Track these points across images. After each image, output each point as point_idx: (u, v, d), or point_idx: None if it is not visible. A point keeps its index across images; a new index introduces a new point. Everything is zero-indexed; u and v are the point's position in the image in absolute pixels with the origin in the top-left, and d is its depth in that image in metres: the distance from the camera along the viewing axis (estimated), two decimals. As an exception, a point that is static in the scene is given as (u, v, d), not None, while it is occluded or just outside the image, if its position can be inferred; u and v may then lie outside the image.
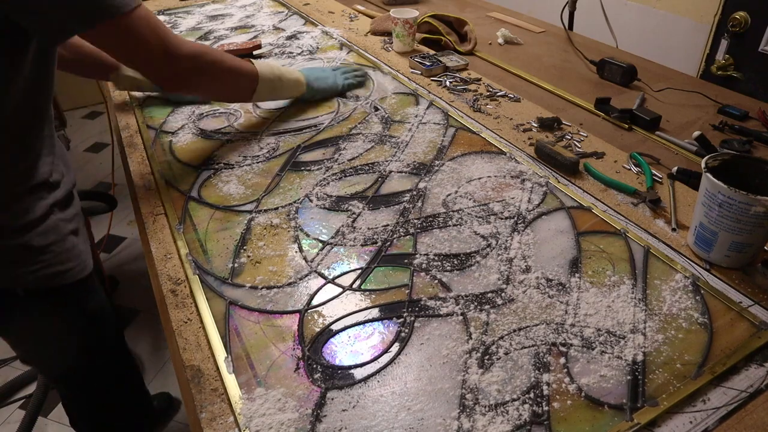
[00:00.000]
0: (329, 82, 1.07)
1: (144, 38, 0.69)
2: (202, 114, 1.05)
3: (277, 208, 0.78)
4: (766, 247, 0.69)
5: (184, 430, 1.39)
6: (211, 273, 0.67)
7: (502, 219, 0.75)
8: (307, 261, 0.69)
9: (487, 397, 0.51)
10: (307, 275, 0.67)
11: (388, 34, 1.40)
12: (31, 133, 0.70)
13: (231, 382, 0.54)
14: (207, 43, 1.40)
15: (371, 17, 1.56)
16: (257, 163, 0.89)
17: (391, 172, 0.86)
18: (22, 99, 0.66)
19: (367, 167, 0.87)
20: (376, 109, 1.05)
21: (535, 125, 0.98)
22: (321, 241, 0.72)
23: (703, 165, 0.64)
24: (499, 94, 1.10)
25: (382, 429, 0.49)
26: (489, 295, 0.63)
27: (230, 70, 0.85)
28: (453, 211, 0.76)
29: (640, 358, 0.55)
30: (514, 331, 0.58)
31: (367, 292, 0.64)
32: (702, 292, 0.62)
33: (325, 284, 0.65)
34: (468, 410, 0.50)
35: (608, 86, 1.16)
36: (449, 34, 1.36)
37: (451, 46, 1.34)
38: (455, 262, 0.68)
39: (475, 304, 0.62)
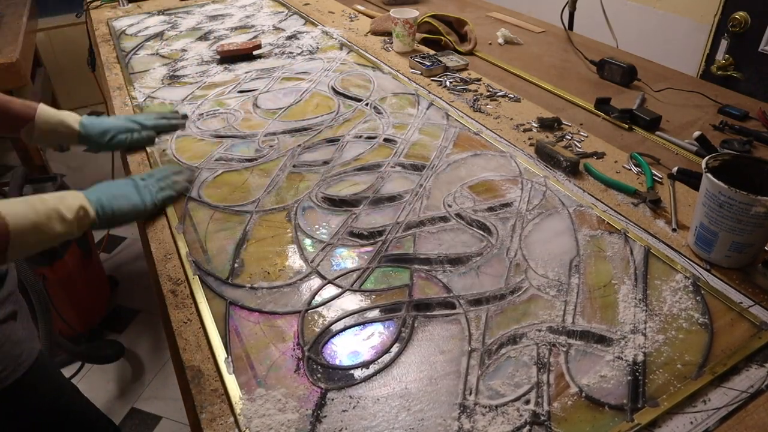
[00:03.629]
0: (132, 200, 0.75)
1: None
2: (202, 114, 1.05)
3: (277, 208, 0.78)
4: (766, 248, 0.69)
5: (184, 430, 1.39)
6: (211, 273, 0.67)
7: (502, 219, 0.75)
8: (307, 261, 0.69)
9: (488, 397, 0.51)
10: (307, 275, 0.67)
11: (388, 34, 1.40)
12: None
13: (231, 382, 0.54)
14: (207, 43, 1.40)
15: (371, 17, 1.56)
16: (257, 163, 0.89)
17: (391, 172, 0.86)
18: None
19: (367, 167, 0.87)
20: (376, 109, 1.05)
21: (535, 125, 0.98)
22: (321, 241, 0.72)
23: (703, 165, 0.64)
24: (499, 94, 1.10)
25: (383, 429, 0.49)
26: (489, 295, 0.63)
27: None
28: (453, 211, 0.76)
29: (640, 358, 0.55)
30: (514, 330, 0.58)
31: (367, 293, 0.64)
32: (702, 292, 0.62)
33: (325, 284, 0.65)
34: (468, 411, 0.50)
35: (608, 86, 1.16)
36: (449, 34, 1.36)
37: (451, 46, 1.34)
38: (455, 262, 0.68)
39: (475, 304, 0.62)
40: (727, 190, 0.61)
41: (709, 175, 0.62)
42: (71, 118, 0.89)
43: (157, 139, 0.97)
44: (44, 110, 0.87)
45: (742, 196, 0.60)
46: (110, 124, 0.92)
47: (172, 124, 0.99)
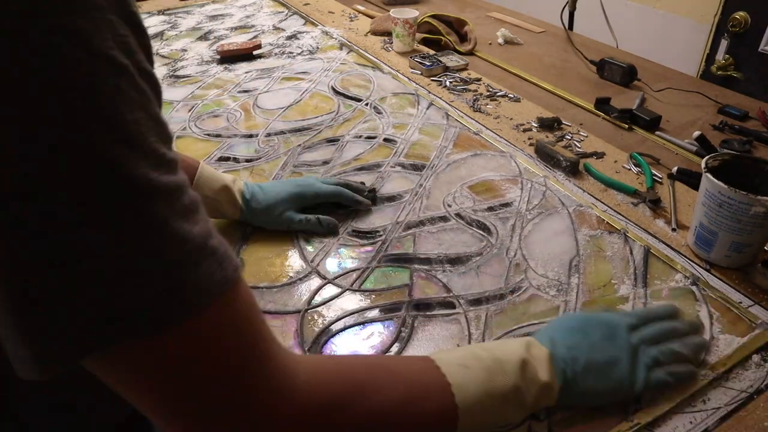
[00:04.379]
0: (613, 376, 0.48)
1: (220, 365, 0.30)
2: (202, 114, 1.05)
3: (277, 208, 0.78)
4: (766, 247, 0.69)
5: (184, 430, 1.39)
6: (211, 273, 0.67)
7: (502, 219, 0.75)
8: (307, 261, 0.69)
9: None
10: (307, 275, 0.67)
11: (388, 34, 1.40)
12: None
13: (231, 382, 0.54)
14: (207, 43, 1.40)
15: (371, 17, 1.56)
16: (257, 163, 0.89)
17: (391, 172, 0.86)
18: None
19: (367, 167, 0.87)
20: (376, 109, 1.05)
21: (535, 125, 0.98)
22: (321, 241, 0.72)
23: (703, 165, 0.64)
24: (499, 94, 1.10)
25: (382, 429, 0.49)
26: (489, 294, 0.63)
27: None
28: (453, 211, 0.76)
29: (640, 358, 0.55)
30: (514, 330, 0.58)
31: (367, 292, 0.64)
32: (702, 292, 0.62)
33: (325, 284, 0.65)
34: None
35: (608, 86, 1.16)
36: (449, 34, 1.36)
37: (451, 46, 1.34)
38: (455, 262, 0.68)
39: (475, 304, 0.62)
40: (727, 189, 0.61)
41: (708, 174, 0.62)
42: (235, 188, 0.70)
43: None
44: (205, 172, 0.68)
45: (742, 195, 0.60)
46: (276, 194, 0.72)
47: (356, 199, 0.76)
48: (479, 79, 1.17)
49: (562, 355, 0.46)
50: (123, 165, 0.25)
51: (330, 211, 0.75)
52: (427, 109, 1.05)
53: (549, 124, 0.97)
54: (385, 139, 0.95)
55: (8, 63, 0.22)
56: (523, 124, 0.99)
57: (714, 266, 0.66)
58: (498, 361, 0.43)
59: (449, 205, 0.78)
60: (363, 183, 0.80)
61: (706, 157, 0.65)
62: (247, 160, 0.90)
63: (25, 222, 0.24)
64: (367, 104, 1.07)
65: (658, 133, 0.96)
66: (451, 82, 1.15)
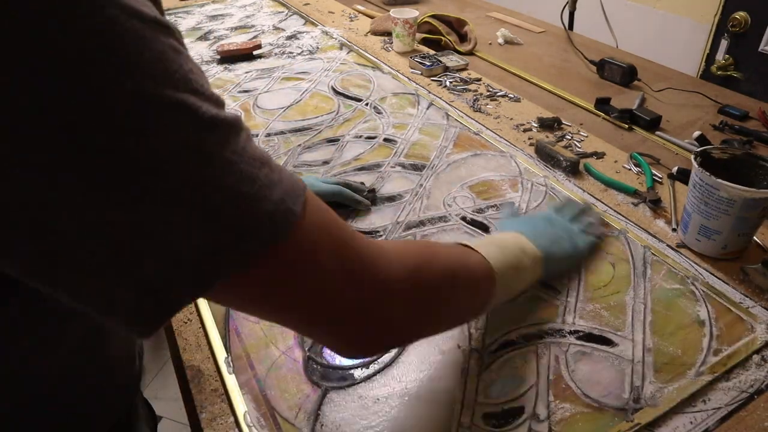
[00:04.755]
0: (564, 246, 0.63)
1: (321, 270, 0.33)
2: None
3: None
4: (766, 248, 0.69)
5: (184, 431, 1.39)
6: (211, 273, 0.67)
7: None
8: (307, 261, 0.69)
9: (487, 397, 0.51)
10: (307, 275, 0.66)
11: (388, 34, 1.40)
12: None
13: (231, 382, 0.54)
14: (207, 43, 1.40)
15: (371, 17, 1.56)
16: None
17: (391, 172, 0.86)
18: None
19: (367, 167, 0.87)
20: (376, 109, 1.05)
21: (535, 125, 0.98)
22: (321, 241, 0.72)
23: (695, 154, 0.66)
24: (499, 94, 1.10)
25: (383, 429, 0.49)
26: (489, 295, 0.63)
27: (464, 286, 0.47)
28: (453, 211, 0.76)
29: (640, 358, 0.55)
30: (515, 330, 0.58)
31: (367, 292, 0.64)
32: (702, 292, 0.62)
33: (325, 284, 0.65)
34: (468, 411, 0.50)
35: (608, 86, 1.16)
36: (449, 34, 1.36)
37: (451, 46, 1.34)
38: (455, 262, 0.67)
39: (476, 304, 0.62)
40: (697, 168, 0.63)
41: (693, 155, 0.65)
42: None
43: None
44: None
45: (707, 177, 0.62)
46: None
47: (355, 199, 0.77)
48: (479, 79, 1.17)
49: (532, 237, 0.59)
50: (199, 108, 0.27)
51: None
52: (427, 109, 1.05)
53: (549, 124, 0.97)
54: (385, 139, 0.95)
55: (85, 41, 0.23)
56: (523, 124, 0.99)
57: (685, 248, 0.69)
58: (508, 245, 0.55)
59: (449, 205, 0.78)
60: (363, 183, 0.80)
61: (709, 146, 0.68)
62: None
63: (136, 160, 0.25)
64: (367, 104, 1.07)
65: (658, 133, 0.96)
66: (451, 82, 1.15)
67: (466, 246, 0.51)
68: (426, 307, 0.42)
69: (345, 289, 0.35)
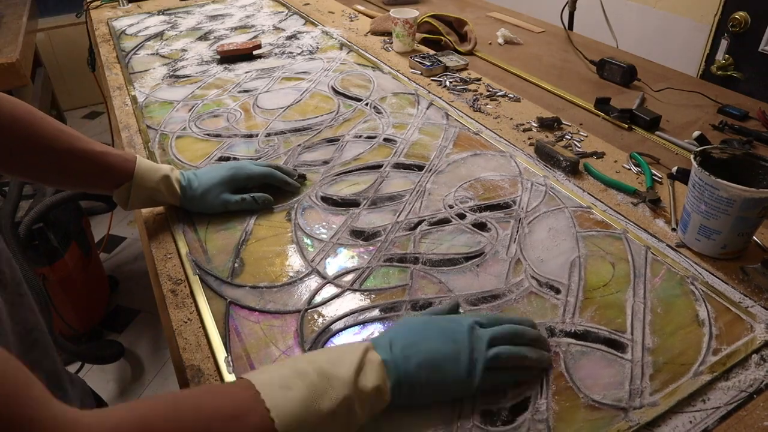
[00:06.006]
0: (447, 369, 0.48)
1: None
2: (202, 114, 1.05)
3: (277, 208, 0.78)
4: (766, 248, 0.69)
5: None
6: (211, 273, 0.67)
7: (501, 219, 0.75)
8: (307, 261, 0.69)
9: (487, 397, 0.51)
10: (307, 275, 0.67)
11: (388, 34, 1.40)
12: None
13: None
14: (207, 43, 1.40)
15: (371, 17, 1.56)
16: (258, 163, 0.89)
17: (391, 171, 0.86)
18: None
19: (367, 167, 0.87)
20: (376, 109, 1.05)
21: (535, 125, 0.98)
22: (321, 241, 0.72)
23: (695, 153, 0.66)
24: (499, 94, 1.10)
25: (383, 429, 0.49)
26: (488, 294, 0.63)
27: None
28: (453, 211, 0.76)
29: (639, 357, 0.55)
30: (514, 330, 0.58)
31: (367, 292, 0.64)
32: (702, 292, 0.62)
33: (325, 284, 0.65)
34: (468, 410, 0.50)
35: (608, 86, 1.16)
36: (449, 34, 1.36)
37: (451, 46, 1.34)
38: (455, 262, 0.68)
39: (475, 304, 0.62)
40: (697, 169, 0.63)
41: (693, 155, 0.65)
42: (173, 176, 0.73)
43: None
44: (143, 165, 0.70)
45: (706, 176, 0.62)
46: (210, 179, 0.75)
47: (285, 180, 0.80)
48: (479, 79, 1.17)
49: (396, 355, 0.47)
50: None
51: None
52: (427, 109, 1.05)
53: (549, 124, 0.98)
54: (385, 139, 0.95)
55: None
56: (523, 124, 0.99)
57: (685, 248, 0.69)
58: (325, 376, 0.43)
59: (449, 206, 0.78)
60: (296, 169, 0.85)
61: (710, 146, 0.68)
62: (248, 160, 0.90)
63: None
64: (367, 104, 1.07)
65: (658, 133, 0.96)
66: (451, 82, 1.15)
67: (252, 392, 0.40)
68: None
69: None
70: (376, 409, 0.46)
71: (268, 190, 0.79)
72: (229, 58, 1.28)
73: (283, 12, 1.64)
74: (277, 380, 0.42)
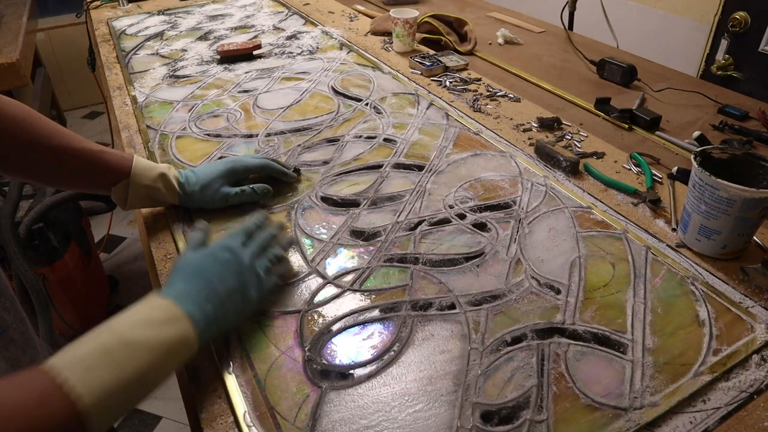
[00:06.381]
0: (236, 301, 0.55)
1: None
2: (202, 114, 1.05)
3: (277, 208, 0.78)
4: (766, 248, 0.69)
5: (184, 431, 1.39)
6: (211, 273, 0.67)
7: (501, 219, 0.75)
8: (307, 261, 0.69)
9: (487, 397, 0.51)
10: (307, 275, 0.67)
11: (388, 34, 1.40)
12: None
13: (231, 382, 0.54)
14: (207, 43, 1.40)
15: (371, 17, 1.56)
16: (257, 163, 0.89)
17: (391, 172, 0.86)
18: None
19: (367, 167, 0.87)
20: (376, 109, 1.05)
21: (535, 125, 0.98)
22: (321, 241, 0.72)
23: (695, 153, 0.66)
24: (499, 94, 1.10)
25: (382, 429, 0.49)
26: (489, 294, 0.63)
27: None
28: (453, 212, 0.76)
29: (640, 358, 0.55)
30: (514, 330, 0.58)
31: (367, 292, 0.64)
32: (702, 292, 0.62)
33: (325, 284, 0.65)
34: (468, 410, 0.50)
35: (608, 86, 1.16)
36: (449, 34, 1.36)
37: (451, 46, 1.34)
38: (455, 262, 0.68)
39: (475, 304, 0.62)
40: (697, 169, 0.63)
41: (693, 155, 0.65)
42: (171, 174, 0.73)
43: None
44: (140, 163, 0.71)
45: (707, 177, 0.62)
46: (209, 174, 0.76)
47: (282, 171, 0.82)
48: (479, 79, 1.17)
49: (196, 303, 0.51)
50: None
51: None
52: (427, 109, 1.05)
53: (549, 124, 0.98)
54: (385, 139, 0.95)
55: None
56: (523, 124, 0.99)
57: (685, 248, 0.69)
58: (128, 345, 0.44)
59: (449, 206, 0.78)
60: (292, 165, 0.86)
61: (710, 146, 0.68)
62: (244, 155, 0.90)
63: None
64: (367, 104, 1.07)
65: (658, 133, 0.96)
66: (451, 82, 1.15)
67: (54, 383, 0.39)
68: None
69: None
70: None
71: (266, 181, 0.80)
72: (229, 58, 1.28)
73: (283, 12, 1.64)
74: (79, 360, 0.42)
